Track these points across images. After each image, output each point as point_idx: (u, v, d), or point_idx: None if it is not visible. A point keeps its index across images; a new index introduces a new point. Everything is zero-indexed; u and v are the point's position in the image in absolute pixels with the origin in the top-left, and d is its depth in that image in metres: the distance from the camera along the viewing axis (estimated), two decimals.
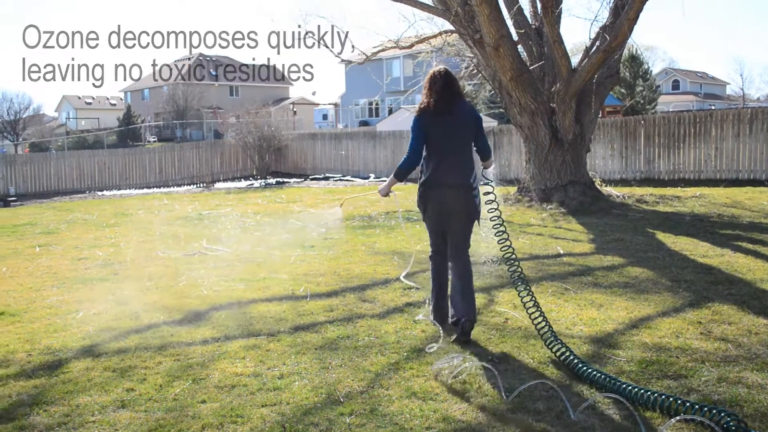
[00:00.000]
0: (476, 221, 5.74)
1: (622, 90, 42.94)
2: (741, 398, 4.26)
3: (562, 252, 9.37)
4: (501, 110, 15.94)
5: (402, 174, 5.65)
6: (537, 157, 14.20)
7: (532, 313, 5.51)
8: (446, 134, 5.56)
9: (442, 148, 5.56)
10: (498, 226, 5.76)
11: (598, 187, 15.23)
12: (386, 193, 5.98)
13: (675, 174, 19.61)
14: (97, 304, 7.29)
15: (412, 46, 17.66)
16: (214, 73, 73.86)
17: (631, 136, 20.41)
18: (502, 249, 5.76)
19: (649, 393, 4.21)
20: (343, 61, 20.07)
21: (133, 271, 9.20)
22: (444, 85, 5.62)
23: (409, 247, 10.19)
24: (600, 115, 19.10)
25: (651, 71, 49.58)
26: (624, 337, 5.53)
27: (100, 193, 28.09)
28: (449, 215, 5.62)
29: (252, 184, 28.20)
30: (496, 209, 5.77)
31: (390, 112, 49.43)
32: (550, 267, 8.44)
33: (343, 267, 8.82)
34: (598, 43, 13.15)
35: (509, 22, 13.84)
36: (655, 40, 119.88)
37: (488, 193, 5.80)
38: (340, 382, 4.76)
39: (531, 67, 14.02)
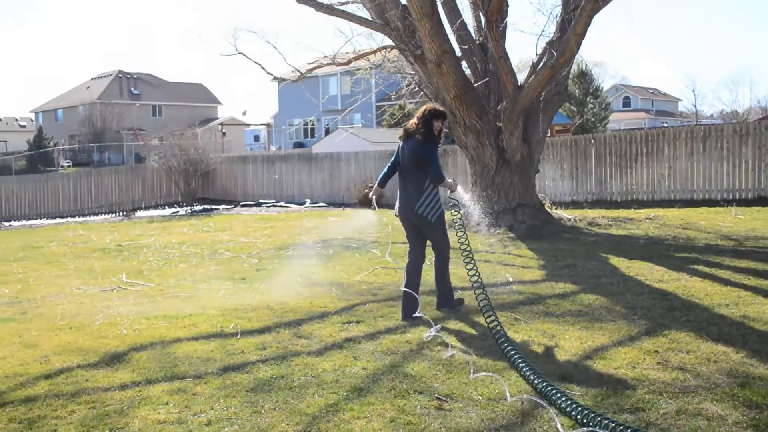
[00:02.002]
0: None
1: (572, 107, 43.94)
2: (701, 431, 4.33)
3: (511, 280, 9.45)
4: (446, 130, 16.07)
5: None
6: (483, 179, 14.36)
7: (502, 343, 5.99)
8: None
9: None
10: (467, 255, 7.08)
11: (549, 210, 15.48)
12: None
13: (628, 195, 20.07)
14: (1, 348, 7.04)
15: (349, 62, 17.75)
16: (135, 91, 72.99)
17: (581, 156, 20.84)
18: (471, 279, 6.96)
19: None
20: (275, 78, 20.01)
21: (44, 310, 8.93)
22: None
23: (348, 277, 10.15)
24: (549, 134, 19.46)
25: (601, 88, 50.90)
26: (578, 369, 5.58)
27: (7, 223, 27.34)
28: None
29: (177, 211, 27.82)
30: (463, 236, 7.29)
31: (327, 132, 49.51)
32: (499, 296, 8.49)
33: (276, 300, 8.73)
34: (545, 59, 13.42)
35: (452, 38, 14.04)
36: (604, 56, 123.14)
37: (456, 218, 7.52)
38: (274, 427, 4.68)
39: (475, 85, 14.21)
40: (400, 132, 7.68)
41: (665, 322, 6.91)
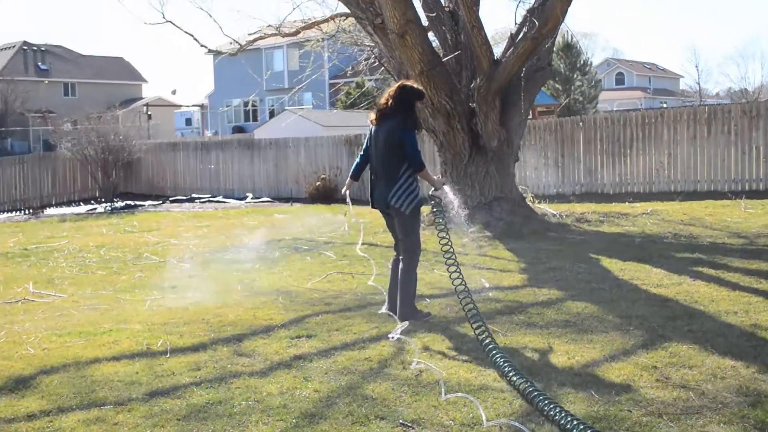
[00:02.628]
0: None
1: (557, 85, 44.37)
2: None
3: (487, 285, 9.51)
4: None
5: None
6: (455, 170, 14.42)
7: (494, 356, 6.11)
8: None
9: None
10: (449, 258, 7.38)
11: (530, 204, 15.59)
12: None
13: (621, 187, 20.31)
14: None
15: (297, 32, 17.70)
16: (43, 66, 72.01)
17: (568, 142, 21.05)
18: (454, 283, 7.22)
19: None
20: (210, 51, 19.90)
21: None
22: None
23: (297, 284, 10.13)
24: (530, 117, 19.62)
25: (590, 63, 51.48)
26: (565, 389, 5.63)
27: None
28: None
29: (95, 208, 27.51)
30: (445, 237, 7.58)
31: (271, 115, 49.37)
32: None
33: (213, 312, 8.68)
34: (525, 29, 13.50)
35: (417, 4, 14.08)
36: (594, 26, 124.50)
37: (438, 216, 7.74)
38: None
39: (445, 59, 14.25)
40: (372, 115, 7.87)
41: (665, 332, 7.00)
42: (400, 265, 7.86)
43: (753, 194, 18.05)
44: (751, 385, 5.54)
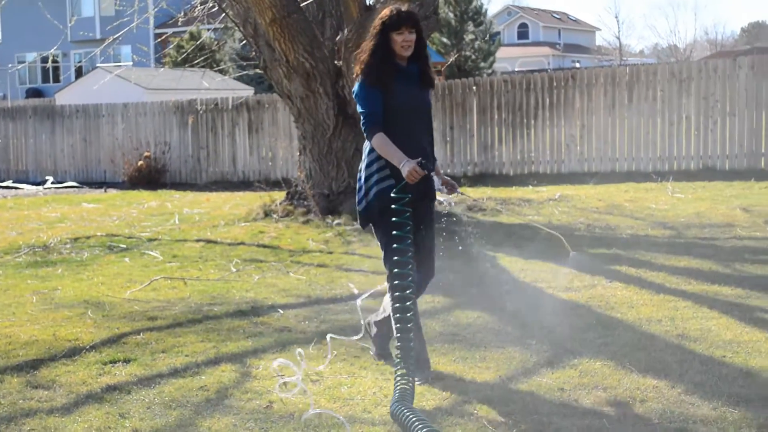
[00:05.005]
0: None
1: (444, 39, 44.87)
2: None
3: (356, 291, 9.55)
4: (258, 71, 15.99)
5: None
6: (316, 145, 14.43)
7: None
8: None
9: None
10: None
11: None
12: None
13: (524, 166, 20.72)
14: None
15: None
16: None
17: (458, 110, 21.32)
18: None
19: None
20: None
21: None
22: None
23: (112, 294, 9.97)
24: None
25: (486, 11, 52.16)
26: (451, 419, 5.72)
27: None
28: None
29: None
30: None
31: (79, 74, 48.36)
32: (338, 315, 8.58)
33: (0, 331, 8.47)
34: None
35: None
36: None
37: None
38: None
39: (303, 3, 14.24)
40: None
41: (574, 347, 7.18)
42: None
43: (682, 175, 18.65)
44: (676, 409, 5.73)
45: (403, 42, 6.47)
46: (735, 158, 19.05)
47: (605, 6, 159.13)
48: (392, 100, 6.51)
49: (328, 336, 6.94)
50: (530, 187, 18.42)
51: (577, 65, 65.36)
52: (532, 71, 28.80)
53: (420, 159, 6.17)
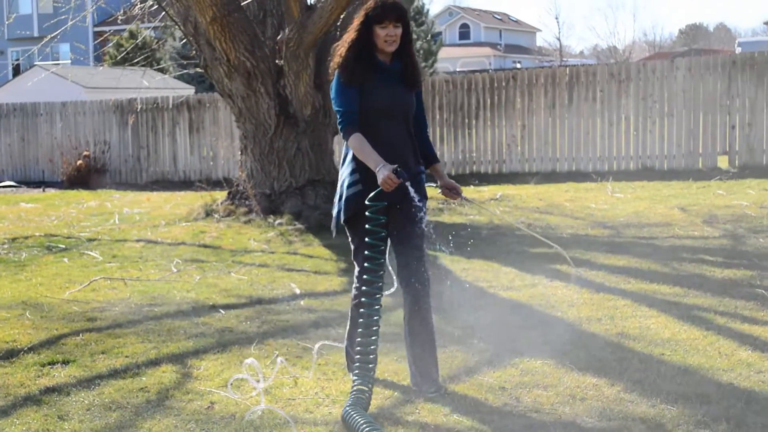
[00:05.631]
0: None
1: None
2: None
3: (298, 292, 9.55)
4: (199, 70, 15.94)
5: None
6: (258, 145, 14.39)
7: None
8: None
9: None
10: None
11: None
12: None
13: (466, 166, 20.83)
14: None
15: None
16: None
17: None
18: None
19: None
20: None
21: None
22: None
23: (51, 295, 9.88)
24: None
25: (428, 12, 52.35)
26: (393, 419, 5.74)
27: None
28: None
29: None
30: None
31: (16, 72, 47.83)
32: (280, 315, 8.56)
33: None
34: None
35: None
36: None
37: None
38: None
39: (244, 2, 14.20)
40: None
41: (516, 345, 7.22)
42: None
43: (621, 175, 18.83)
44: (615, 407, 5.80)
45: (387, 36, 6.06)
46: (673, 158, 19.23)
47: (546, 7, 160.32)
48: (366, 100, 6.15)
49: (317, 345, 6.91)
50: (472, 186, 18.49)
51: (518, 66, 65.75)
52: (474, 71, 28.94)
53: (396, 166, 5.85)
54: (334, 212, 6.38)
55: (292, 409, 5.95)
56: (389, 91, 6.20)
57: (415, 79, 6.34)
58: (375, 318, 6.05)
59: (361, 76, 6.13)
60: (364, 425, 5.20)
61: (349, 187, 6.20)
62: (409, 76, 6.29)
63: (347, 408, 5.55)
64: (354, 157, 6.16)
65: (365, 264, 6.13)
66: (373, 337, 6.01)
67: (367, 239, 6.04)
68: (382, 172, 5.79)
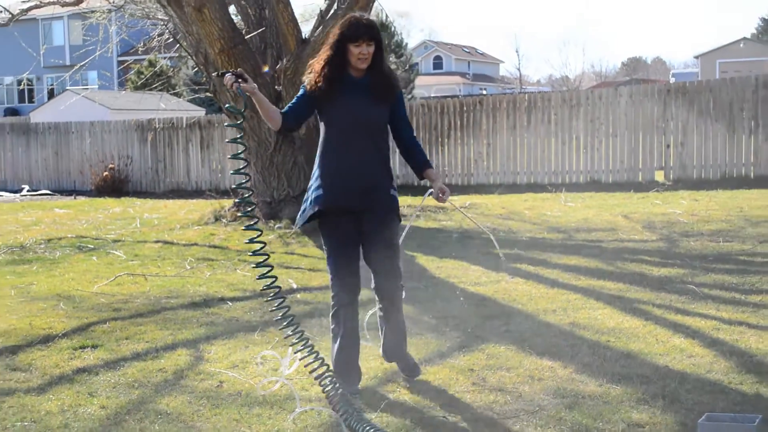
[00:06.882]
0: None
1: None
2: None
3: (295, 286, 9.58)
4: (209, 94, 16.01)
5: None
6: (260, 159, 14.40)
7: (308, 363, 5.53)
8: None
9: None
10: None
11: None
12: None
13: None
14: None
15: (80, 2, 17.19)
16: None
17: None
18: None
19: None
20: None
21: None
22: None
23: (81, 288, 9.87)
24: None
25: (406, 45, 52.47)
26: (376, 397, 5.75)
27: None
28: None
29: None
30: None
31: (51, 95, 47.65)
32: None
33: None
34: (335, 7, 13.63)
35: None
36: (411, 5, 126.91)
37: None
38: None
39: (248, 36, 14.21)
40: None
41: (482, 333, 7.26)
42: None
43: (573, 187, 18.92)
44: (568, 386, 5.83)
45: (360, 54, 5.64)
46: (617, 173, 19.31)
47: (508, 42, 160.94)
48: (331, 118, 5.80)
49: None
50: None
51: (484, 92, 65.78)
52: (446, 97, 28.93)
53: (237, 70, 5.60)
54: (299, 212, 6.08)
55: (289, 388, 5.97)
56: (355, 104, 5.73)
57: (385, 92, 5.83)
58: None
59: (328, 88, 5.71)
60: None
61: (314, 190, 5.86)
62: (378, 88, 5.78)
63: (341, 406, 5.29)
64: (320, 164, 5.85)
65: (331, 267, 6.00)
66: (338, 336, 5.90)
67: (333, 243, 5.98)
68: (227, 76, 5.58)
